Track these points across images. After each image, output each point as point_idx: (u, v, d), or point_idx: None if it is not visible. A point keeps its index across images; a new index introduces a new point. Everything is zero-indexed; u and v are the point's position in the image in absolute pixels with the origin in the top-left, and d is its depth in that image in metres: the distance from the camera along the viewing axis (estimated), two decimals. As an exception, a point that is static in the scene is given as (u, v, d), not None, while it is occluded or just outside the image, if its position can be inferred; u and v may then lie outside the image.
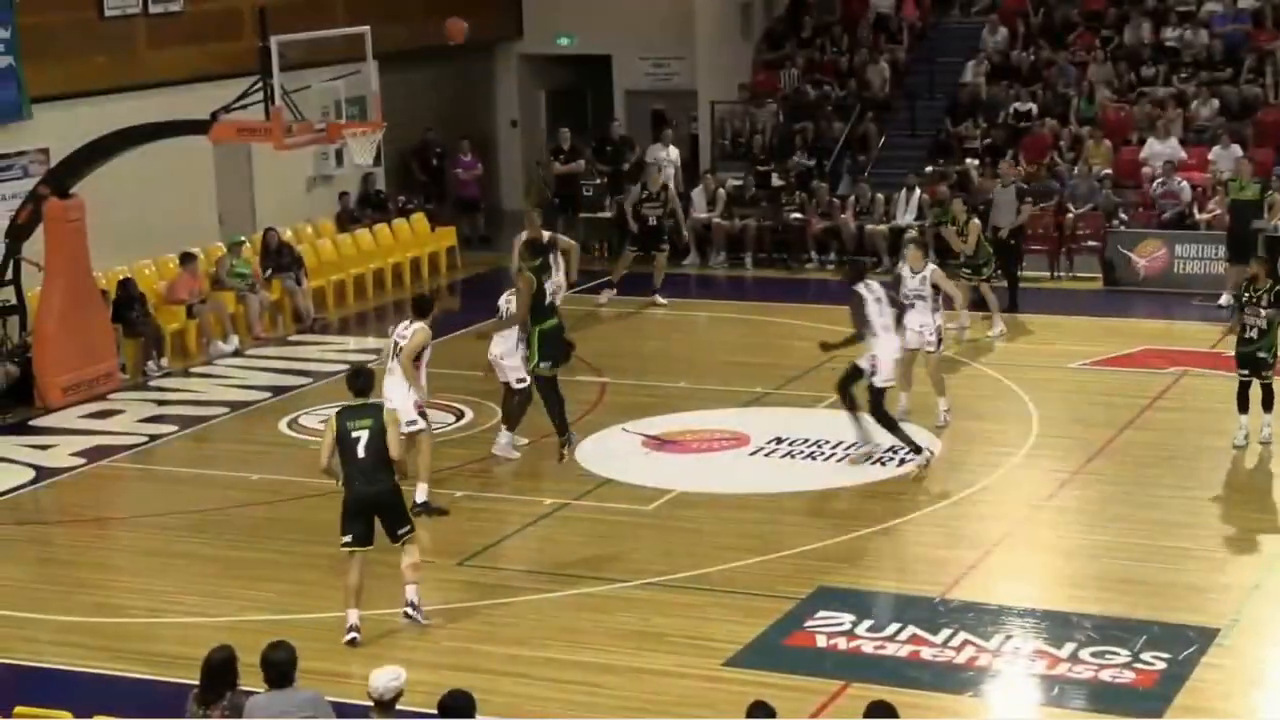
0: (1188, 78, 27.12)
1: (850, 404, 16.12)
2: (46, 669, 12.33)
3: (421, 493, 14.89)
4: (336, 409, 12.65)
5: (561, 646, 12.37)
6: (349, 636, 12.36)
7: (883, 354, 15.77)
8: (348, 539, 12.38)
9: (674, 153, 27.16)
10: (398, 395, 14.56)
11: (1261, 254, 18.94)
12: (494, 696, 11.22)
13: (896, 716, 8.38)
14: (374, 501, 12.35)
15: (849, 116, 28.06)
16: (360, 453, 12.24)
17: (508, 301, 16.27)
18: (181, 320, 21.43)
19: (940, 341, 17.42)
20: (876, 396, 15.83)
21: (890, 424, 15.94)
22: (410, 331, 14.85)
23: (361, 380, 12.69)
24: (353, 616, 12.44)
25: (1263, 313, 16.14)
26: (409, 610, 12.63)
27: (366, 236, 25.33)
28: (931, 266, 17.48)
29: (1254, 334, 16.28)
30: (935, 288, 17.31)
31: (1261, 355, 16.26)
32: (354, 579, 12.42)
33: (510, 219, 30.46)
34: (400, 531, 12.48)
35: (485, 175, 28.99)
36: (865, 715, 8.42)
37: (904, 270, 17.57)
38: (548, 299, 15.58)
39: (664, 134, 27.72)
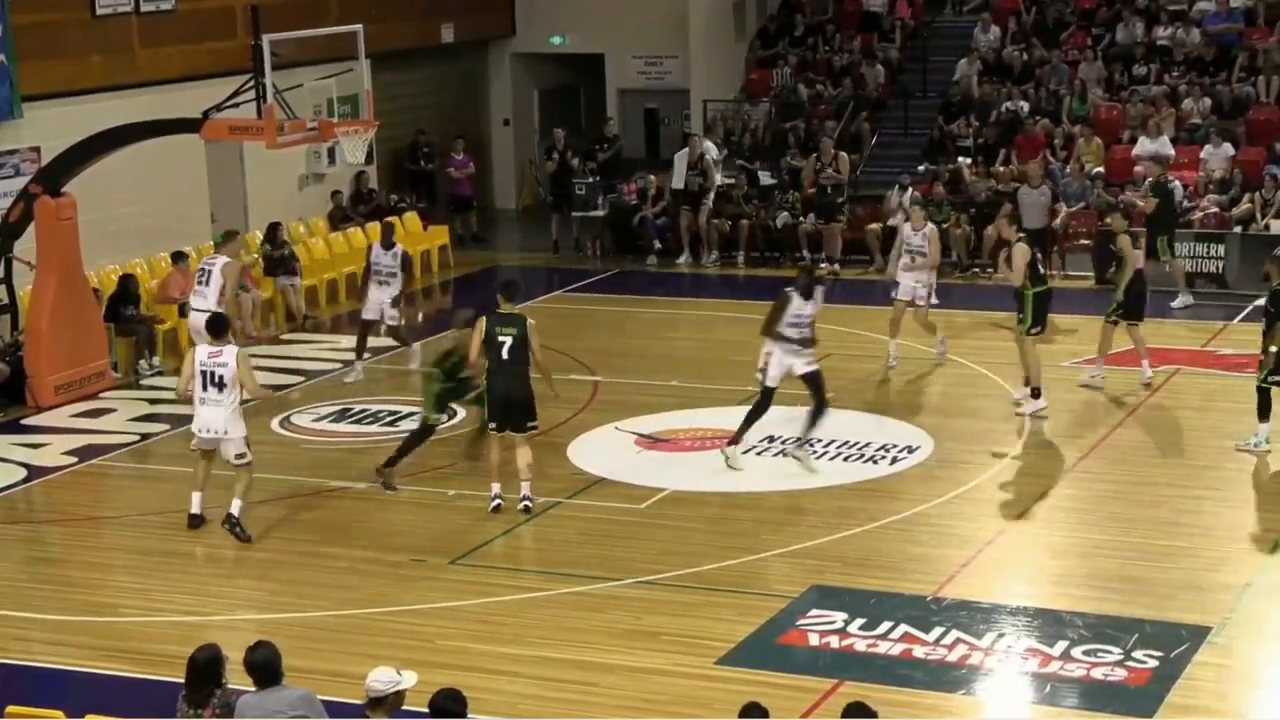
0: (1179, 76, 27.15)
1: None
2: (39, 668, 12.32)
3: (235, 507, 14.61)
4: (486, 315, 14.64)
5: (555, 645, 12.37)
6: (494, 504, 14.63)
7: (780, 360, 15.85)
8: (493, 425, 14.62)
9: (710, 146, 27.13)
10: None
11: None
12: (488, 695, 11.23)
13: (874, 716, 8.39)
14: (511, 397, 14.45)
15: (842, 115, 28.08)
16: (504, 355, 14.38)
17: None
18: (173, 319, 21.42)
19: (929, 295, 19.45)
20: None
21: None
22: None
23: (513, 289, 14.96)
24: (495, 488, 14.65)
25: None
26: (527, 504, 14.66)
27: (359, 235, 25.34)
28: (930, 225, 19.53)
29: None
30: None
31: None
32: (495, 456, 14.63)
33: (502, 218, 30.54)
34: (528, 425, 14.62)
35: (478, 174, 28.99)
36: (843, 716, 8.42)
37: (906, 228, 19.63)
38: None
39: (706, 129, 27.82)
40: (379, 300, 19.68)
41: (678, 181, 26.37)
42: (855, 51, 29.54)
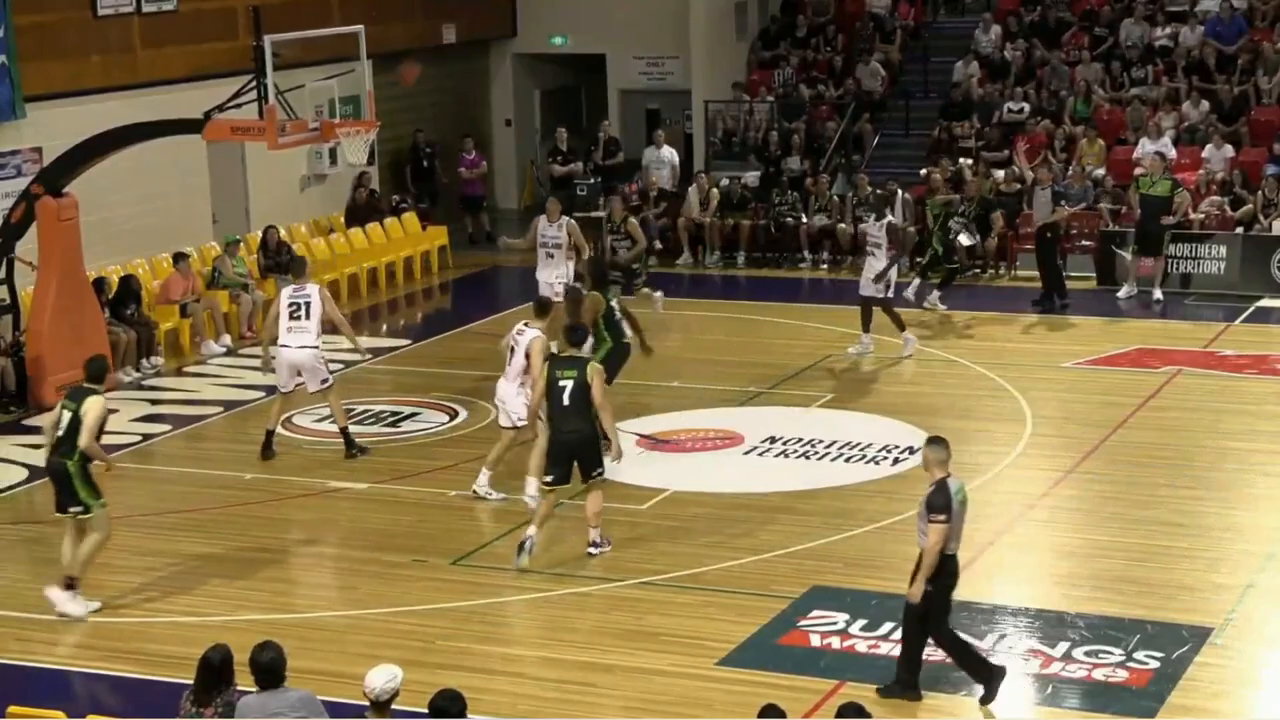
0: (1180, 77, 27.13)
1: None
2: (39, 668, 12.32)
3: None
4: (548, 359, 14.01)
5: (556, 646, 12.38)
6: (525, 542, 13.60)
7: None
8: (549, 479, 13.78)
9: (668, 153, 27.17)
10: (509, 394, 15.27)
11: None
12: (489, 696, 11.24)
13: (869, 717, 8.39)
14: (573, 445, 13.62)
15: (844, 116, 28.08)
16: (565, 400, 13.57)
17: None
18: (175, 319, 21.42)
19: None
20: None
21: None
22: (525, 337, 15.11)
23: (578, 334, 14.17)
24: (530, 530, 13.72)
25: None
26: (591, 549, 13.89)
27: (359, 235, 25.37)
28: (568, 219, 19.75)
29: None
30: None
31: None
32: (543, 510, 13.83)
33: (504, 218, 30.52)
34: (593, 473, 13.80)
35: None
36: (837, 716, 8.42)
37: (541, 220, 19.71)
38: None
39: (655, 135, 27.71)
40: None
41: (665, 182, 26.54)
42: (865, 43, 29.46)
